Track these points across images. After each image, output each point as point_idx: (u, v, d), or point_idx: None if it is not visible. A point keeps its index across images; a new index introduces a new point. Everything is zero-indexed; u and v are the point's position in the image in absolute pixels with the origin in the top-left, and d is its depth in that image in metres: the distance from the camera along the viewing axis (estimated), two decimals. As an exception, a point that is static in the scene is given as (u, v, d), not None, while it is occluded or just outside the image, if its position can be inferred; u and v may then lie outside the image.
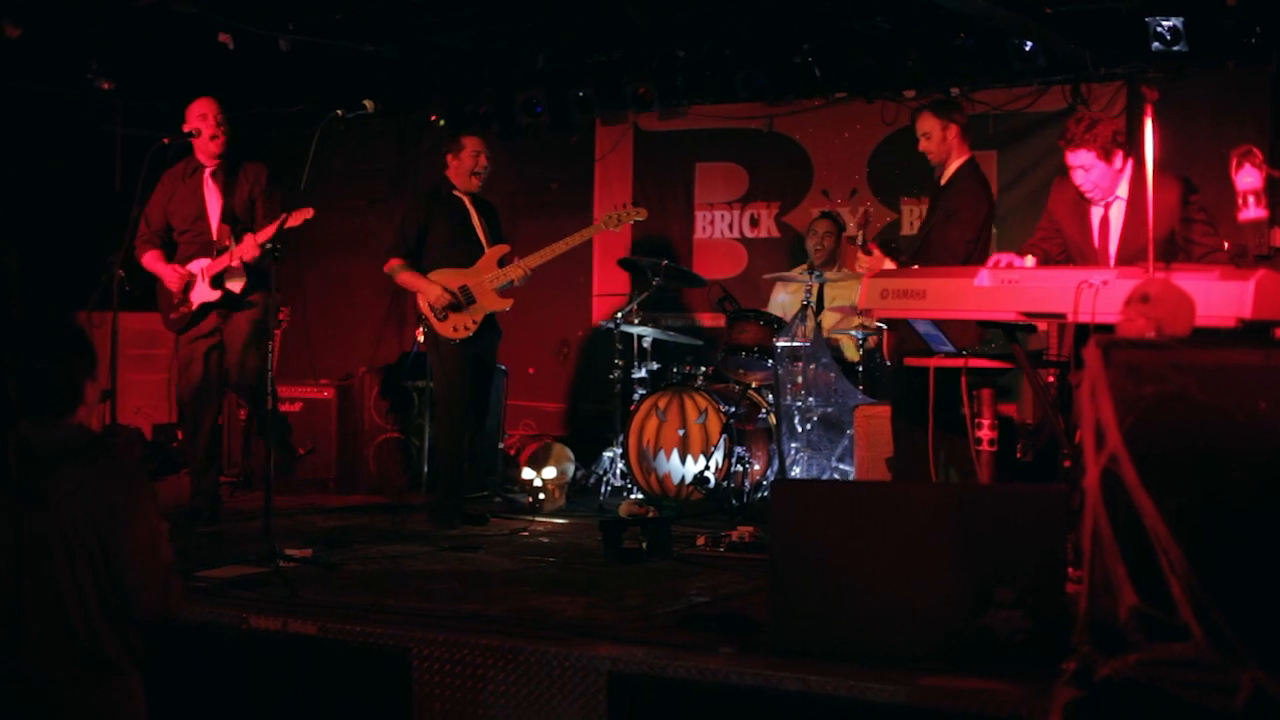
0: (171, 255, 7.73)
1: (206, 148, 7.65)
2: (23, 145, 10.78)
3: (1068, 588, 4.50)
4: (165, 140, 7.39)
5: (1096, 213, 6.16)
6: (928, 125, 6.98)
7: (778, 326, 8.52)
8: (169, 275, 7.64)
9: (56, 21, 9.63)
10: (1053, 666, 4.18)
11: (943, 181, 7.04)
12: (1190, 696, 3.54)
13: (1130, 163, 6.06)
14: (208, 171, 7.70)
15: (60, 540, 3.68)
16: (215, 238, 7.56)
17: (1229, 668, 3.54)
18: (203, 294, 7.55)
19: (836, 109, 10.26)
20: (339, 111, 6.75)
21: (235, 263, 7.48)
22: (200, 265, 7.58)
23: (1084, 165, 6.01)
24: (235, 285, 7.53)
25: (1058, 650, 4.27)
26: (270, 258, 7.12)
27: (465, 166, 7.96)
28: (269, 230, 7.49)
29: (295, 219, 7.48)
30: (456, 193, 7.98)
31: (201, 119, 7.63)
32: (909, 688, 4.21)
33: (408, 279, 7.92)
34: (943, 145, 6.95)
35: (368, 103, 6.88)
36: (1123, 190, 6.08)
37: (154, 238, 7.75)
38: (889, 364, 7.96)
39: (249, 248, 7.44)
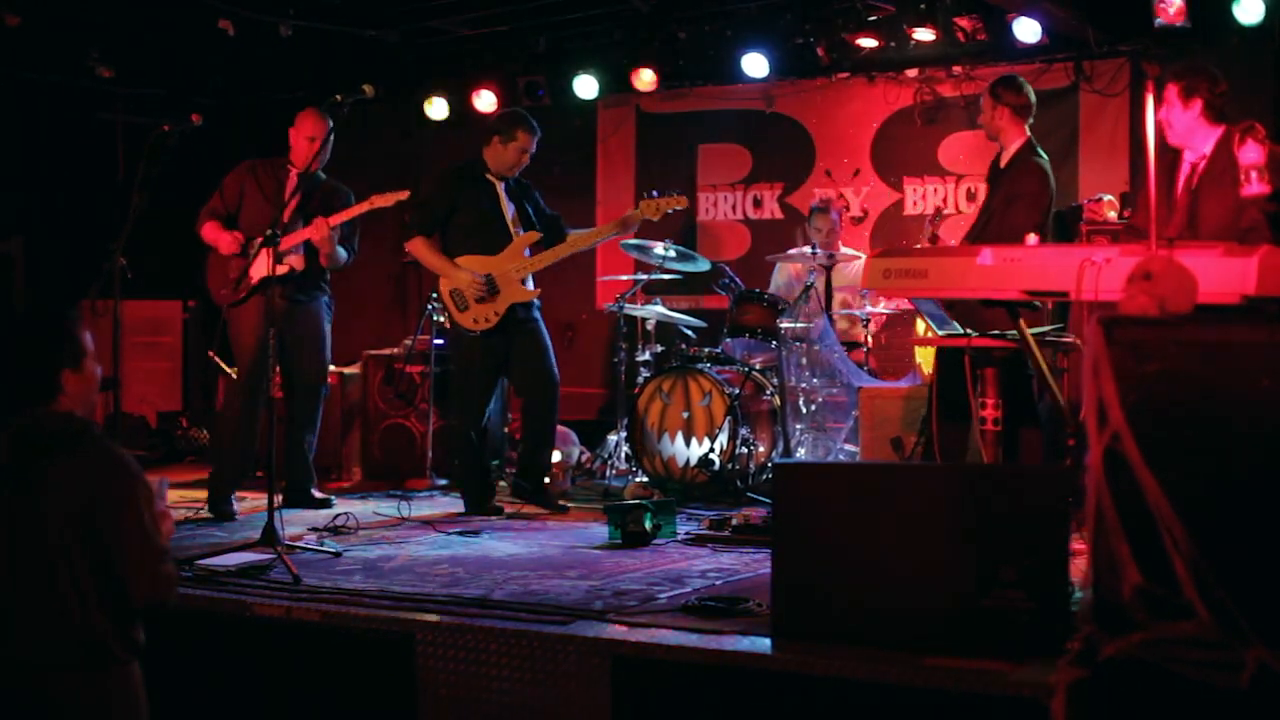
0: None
1: (300, 160, 7.67)
2: (24, 134, 10.79)
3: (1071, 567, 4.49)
4: (165, 127, 7.36)
5: (1185, 171, 6.17)
6: (983, 101, 7.09)
7: (781, 308, 8.50)
8: (226, 239, 7.61)
9: (55, 9, 9.62)
10: (1057, 646, 4.17)
11: (1002, 164, 7.03)
12: (1195, 675, 3.52)
13: (1225, 127, 6.07)
14: (295, 171, 7.71)
15: (54, 530, 3.67)
16: (285, 221, 7.49)
17: (1234, 646, 3.52)
18: (262, 268, 7.38)
19: (839, 89, 10.23)
20: (338, 96, 6.71)
21: (294, 241, 7.46)
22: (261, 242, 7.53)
23: (1166, 100, 6.04)
24: (297, 262, 7.47)
25: (1062, 630, 4.27)
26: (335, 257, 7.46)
27: (508, 159, 7.72)
28: (345, 214, 7.57)
29: (386, 200, 7.52)
30: (489, 175, 7.76)
31: (309, 141, 7.62)
32: (913, 669, 4.21)
33: (433, 260, 7.72)
34: (992, 124, 7.02)
35: (367, 87, 6.84)
36: (1210, 148, 6.10)
37: (222, 211, 7.75)
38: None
39: (320, 227, 7.45)
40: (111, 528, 3.70)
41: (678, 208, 7.98)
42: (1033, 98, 7.02)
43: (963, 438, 6.53)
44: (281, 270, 7.39)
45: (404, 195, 7.59)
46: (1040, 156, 6.95)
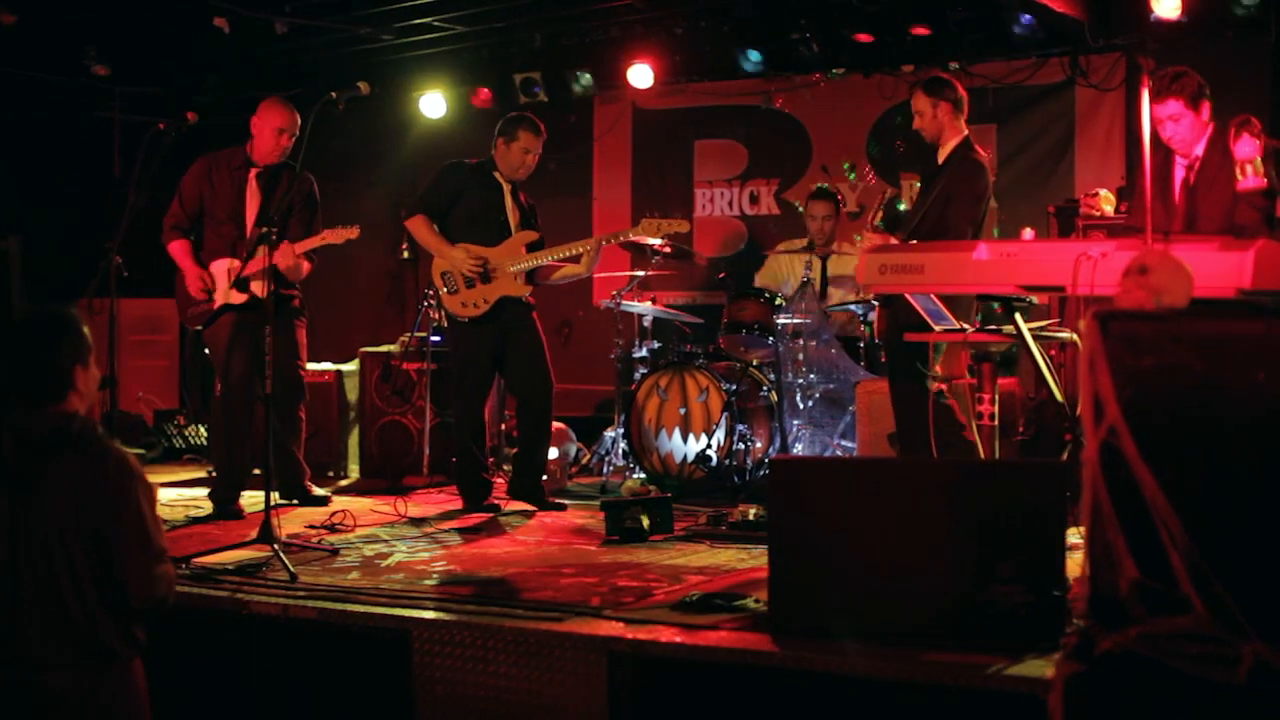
0: (198, 244, 7.69)
1: (267, 154, 7.63)
2: (21, 132, 10.78)
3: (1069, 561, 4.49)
4: (161, 125, 7.35)
5: (1179, 173, 6.16)
6: (919, 104, 6.99)
7: (779, 303, 8.49)
8: (191, 277, 7.58)
9: (52, 7, 9.61)
10: (1054, 641, 4.18)
11: (939, 161, 7.00)
12: (1191, 669, 3.51)
13: (1214, 123, 6.05)
14: (254, 173, 7.66)
15: (55, 529, 3.67)
16: (247, 237, 7.49)
17: (1230, 640, 3.52)
18: (226, 295, 7.48)
19: (835, 85, 10.24)
20: (333, 94, 6.69)
21: (257, 268, 7.33)
22: (224, 265, 7.53)
23: (1172, 115, 6.03)
24: (259, 288, 7.45)
25: (1058, 624, 4.27)
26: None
27: (512, 160, 7.72)
28: (309, 243, 7.52)
29: (338, 237, 7.50)
30: (497, 174, 7.77)
31: (277, 133, 7.58)
32: (911, 664, 4.21)
33: (430, 239, 7.70)
34: (934, 123, 6.95)
35: (362, 85, 6.83)
36: (1202, 149, 6.08)
37: (185, 221, 7.69)
38: (877, 342, 7.94)
39: (285, 255, 7.34)
40: (111, 527, 3.70)
41: (679, 230, 7.95)
42: (964, 94, 7.04)
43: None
44: (241, 299, 7.42)
45: (354, 234, 7.56)
46: (978, 153, 6.94)
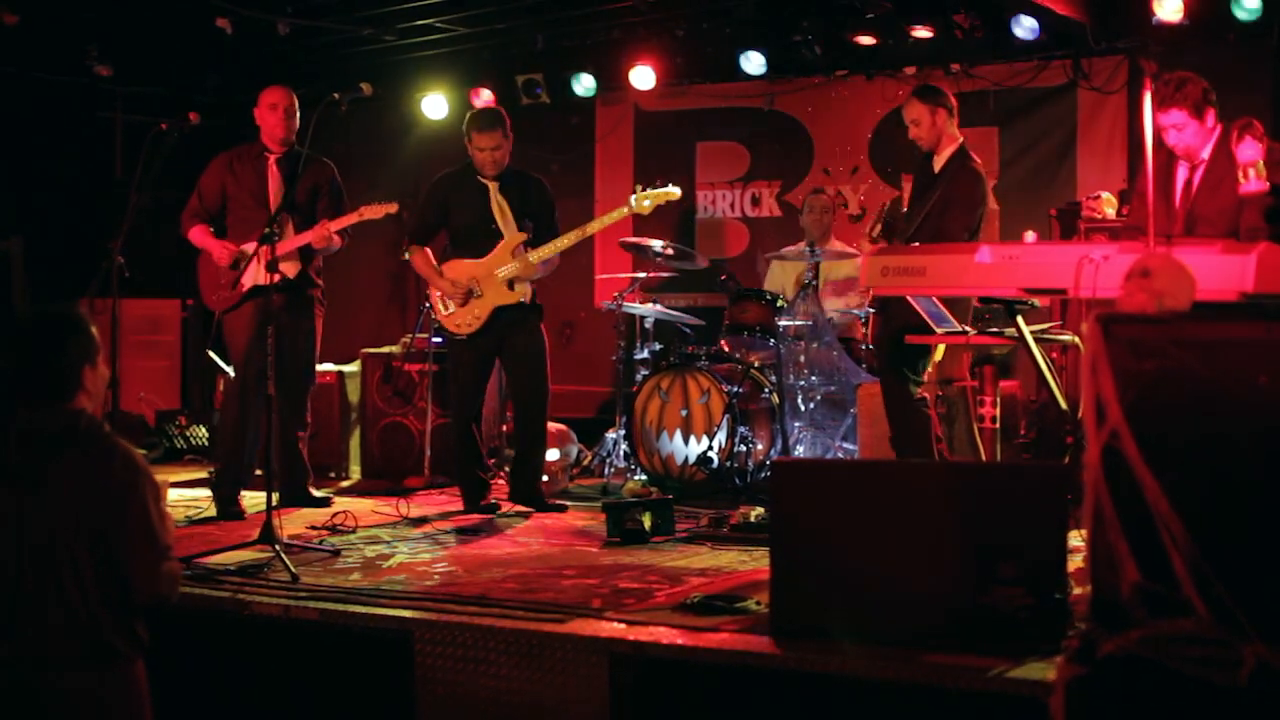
0: (220, 235, 7.68)
1: (274, 135, 7.65)
2: (23, 132, 10.76)
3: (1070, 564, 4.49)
4: (163, 125, 7.35)
5: (1182, 175, 6.13)
6: (916, 112, 6.94)
7: (780, 305, 8.49)
8: (217, 250, 7.56)
9: (54, 7, 9.61)
10: (1055, 643, 4.17)
11: (935, 169, 6.97)
12: (1193, 672, 3.51)
13: (1220, 125, 6.03)
14: (274, 159, 7.68)
15: (59, 528, 3.68)
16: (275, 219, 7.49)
17: (1232, 642, 3.52)
18: (255, 275, 7.42)
19: (837, 87, 10.25)
20: (335, 95, 6.69)
21: (291, 247, 7.41)
22: (254, 246, 7.48)
23: (1176, 124, 5.99)
24: (289, 269, 7.46)
25: (1060, 627, 4.27)
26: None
27: (478, 160, 7.67)
28: (345, 220, 7.54)
29: (375, 212, 7.51)
30: (480, 177, 7.70)
31: (271, 109, 7.62)
32: (912, 666, 4.21)
33: (423, 269, 7.77)
34: (932, 131, 6.90)
35: (364, 86, 6.83)
36: (1208, 153, 6.05)
37: (204, 213, 7.70)
38: (870, 347, 7.91)
39: (319, 232, 7.42)
40: (117, 523, 3.71)
41: (671, 198, 7.93)
42: (956, 102, 7.03)
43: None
44: (269, 279, 7.39)
45: (393, 208, 7.56)
46: (975, 160, 6.92)
